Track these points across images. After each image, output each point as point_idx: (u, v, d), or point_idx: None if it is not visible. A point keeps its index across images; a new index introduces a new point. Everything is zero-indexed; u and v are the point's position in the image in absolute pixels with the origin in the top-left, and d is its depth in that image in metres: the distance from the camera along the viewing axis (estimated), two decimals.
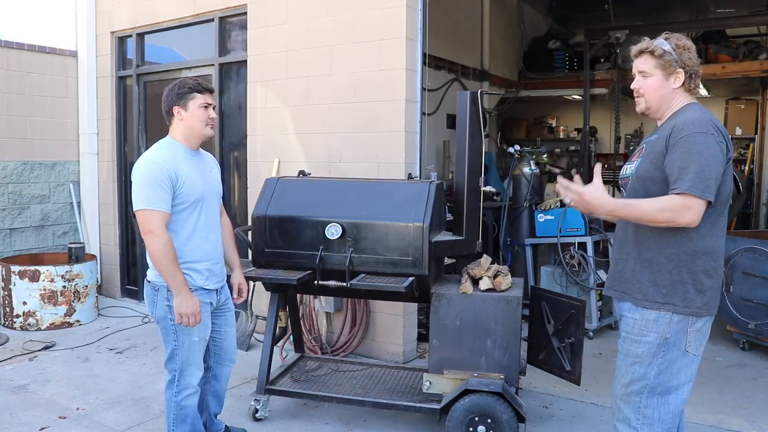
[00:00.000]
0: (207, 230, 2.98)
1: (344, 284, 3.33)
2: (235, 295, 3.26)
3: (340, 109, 4.72)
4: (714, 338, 5.16)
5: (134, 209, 2.82)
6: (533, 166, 5.99)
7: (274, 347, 3.84)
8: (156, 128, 6.04)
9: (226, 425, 3.35)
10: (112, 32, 6.37)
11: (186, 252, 2.88)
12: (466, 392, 3.23)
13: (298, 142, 4.97)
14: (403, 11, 4.35)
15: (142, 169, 2.83)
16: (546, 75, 8.93)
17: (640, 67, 2.38)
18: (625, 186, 2.46)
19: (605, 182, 10.48)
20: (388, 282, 3.26)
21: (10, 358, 4.78)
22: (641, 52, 2.37)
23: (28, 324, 5.48)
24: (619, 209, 2.26)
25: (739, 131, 9.21)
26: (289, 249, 3.48)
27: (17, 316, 5.49)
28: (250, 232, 3.68)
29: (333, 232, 3.37)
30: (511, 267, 5.73)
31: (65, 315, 5.57)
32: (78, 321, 5.64)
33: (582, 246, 5.33)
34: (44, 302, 5.48)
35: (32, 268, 5.50)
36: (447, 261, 3.86)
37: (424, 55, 4.55)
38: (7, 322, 5.55)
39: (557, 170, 10.24)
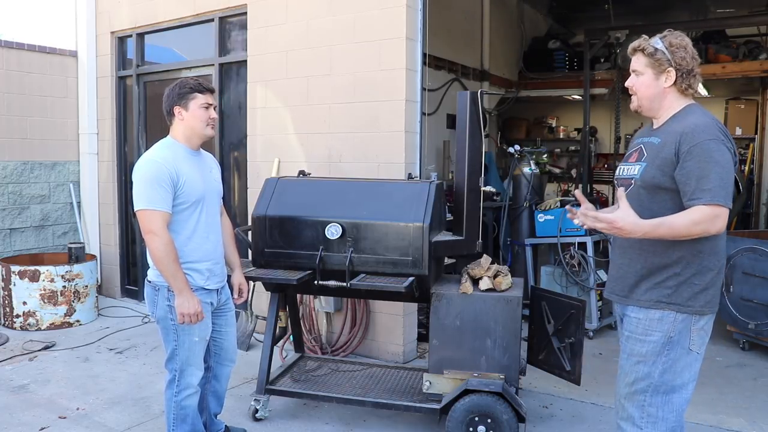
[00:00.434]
0: (208, 230, 2.98)
1: (344, 284, 3.33)
2: (235, 295, 3.26)
3: (340, 109, 4.72)
4: (714, 338, 5.14)
5: (135, 209, 2.82)
6: (533, 166, 5.99)
7: (274, 347, 3.84)
8: (156, 128, 6.04)
9: (226, 425, 3.35)
10: (112, 32, 6.37)
11: (187, 252, 2.88)
12: (466, 392, 3.23)
13: (298, 142, 4.97)
14: (403, 11, 4.35)
15: (143, 168, 2.83)
16: (546, 75, 8.93)
17: (633, 65, 2.40)
18: (625, 188, 2.42)
19: (604, 182, 10.48)
20: (388, 282, 3.26)
21: (10, 358, 4.78)
22: (635, 51, 2.38)
23: (28, 324, 5.48)
24: (654, 230, 2.18)
25: (739, 131, 9.21)
26: (289, 249, 3.48)
27: (17, 316, 5.49)
28: (250, 232, 3.68)
29: (333, 232, 3.37)
30: (511, 267, 5.74)
31: (65, 315, 5.57)
32: (78, 321, 5.64)
33: (582, 246, 5.33)
34: (44, 302, 5.48)
35: (32, 268, 5.50)
36: (447, 261, 3.86)
37: (424, 55, 4.55)
38: (7, 322, 5.56)
39: (557, 170, 10.25)
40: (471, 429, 3.22)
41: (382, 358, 4.62)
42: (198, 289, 2.91)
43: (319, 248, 3.41)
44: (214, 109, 3.00)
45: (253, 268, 3.55)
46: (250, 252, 3.66)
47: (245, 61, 5.27)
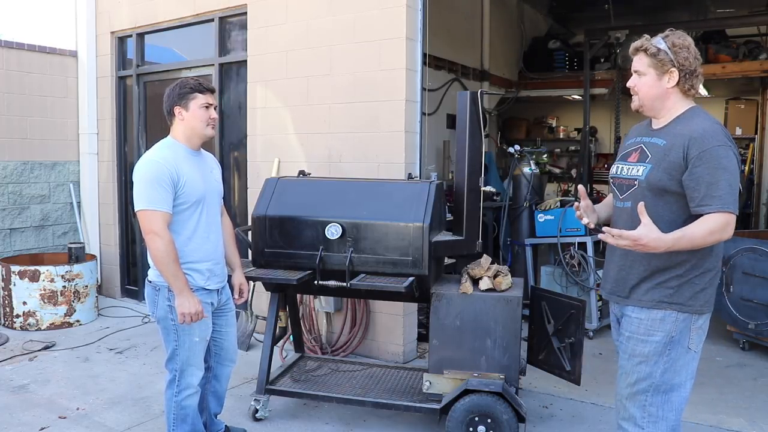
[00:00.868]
0: (208, 230, 2.98)
1: (344, 284, 3.33)
2: (235, 296, 3.26)
3: (340, 109, 4.72)
4: (714, 338, 5.17)
5: (136, 209, 2.82)
6: (533, 166, 5.99)
7: (274, 347, 3.84)
8: (156, 128, 6.04)
9: (226, 425, 3.35)
10: (112, 32, 6.37)
11: (187, 252, 2.88)
12: (466, 392, 3.23)
13: (298, 142, 4.97)
14: (403, 11, 4.35)
15: (143, 169, 2.83)
16: (546, 75, 8.93)
17: (635, 65, 2.38)
18: (624, 187, 2.41)
19: (604, 182, 10.48)
20: (388, 282, 3.26)
21: (10, 358, 4.78)
22: (637, 50, 2.36)
23: (28, 324, 5.48)
24: (677, 243, 2.16)
25: (739, 131, 9.21)
26: (289, 249, 3.48)
27: (17, 316, 5.49)
28: (250, 232, 3.68)
29: (333, 232, 3.37)
30: (511, 267, 5.73)
31: (65, 315, 5.57)
32: (78, 321, 5.64)
33: (582, 246, 5.33)
34: (44, 302, 5.48)
35: (32, 268, 5.50)
36: (447, 261, 3.86)
37: (424, 55, 4.55)
38: (7, 322, 5.56)
39: (557, 170, 10.25)
40: (471, 429, 3.22)
41: (382, 358, 4.62)
42: (198, 289, 2.91)
43: (319, 248, 3.41)
44: (215, 109, 3.00)
45: (253, 268, 3.55)
46: (250, 252, 3.66)
47: (245, 61, 5.27)
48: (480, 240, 3.54)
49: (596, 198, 8.97)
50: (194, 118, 2.92)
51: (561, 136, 10.70)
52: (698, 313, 2.31)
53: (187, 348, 2.91)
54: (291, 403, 3.92)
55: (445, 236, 3.55)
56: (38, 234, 6.40)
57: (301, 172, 4.03)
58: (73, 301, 5.61)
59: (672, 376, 2.34)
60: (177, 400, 2.96)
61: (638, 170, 2.35)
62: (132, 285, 6.56)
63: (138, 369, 4.59)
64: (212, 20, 5.56)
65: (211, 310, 3.03)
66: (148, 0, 6.00)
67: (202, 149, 3.09)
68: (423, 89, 4.60)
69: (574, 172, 10.09)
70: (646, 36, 2.37)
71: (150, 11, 6.00)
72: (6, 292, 5.52)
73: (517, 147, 6.12)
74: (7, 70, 6.07)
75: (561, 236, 5.40)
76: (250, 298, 4.96)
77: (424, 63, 4.56)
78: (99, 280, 6.34)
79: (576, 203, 2.63)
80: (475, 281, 3.46)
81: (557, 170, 10.30)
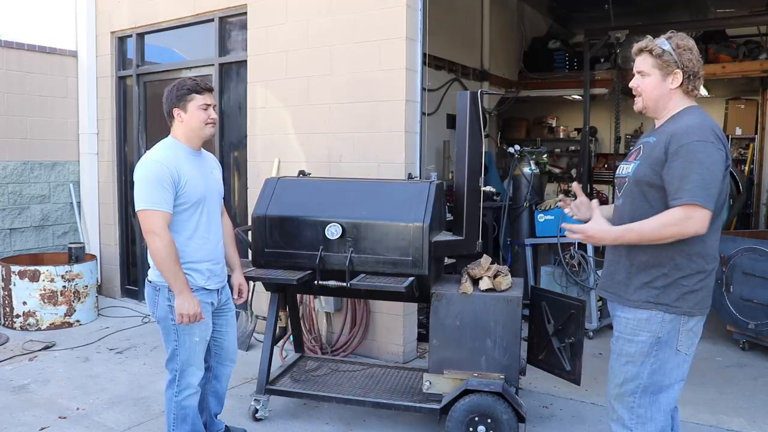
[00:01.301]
0: (208, 230, 2.98)
1: (344, 284, 3.33)
2: (235, 296, 3.26)
3: (340, 109, 4.72)
4: (714, 338, 5.17)
5: (136, 209, 2.82)
6: (533, 166, 5.99)
7: (274, 347, 3.84)
8: (156, 128, 6.04)
9: (226, 425, 3.35)
10: (112, 32, 6.38)
11: (187, 252, 2.88)
12: (466, 392, 3.24)
13: (298, 142, 4.97)
14: (403, 11, 4.35)
15: (144, 169, 2.83)
16: (546, 75, 8.93)
17: (638, 66, 2.38)
18: (621, 186, 2.46)
19: (604, 182, 10.46)
20: (388, 282, 3.26)
21: (10, 358, 4.78)
22: (641, 51, 2.36)
23: (28, 324, 5.48)
24: (622, 236, 2.27)
25: (739, 131, 9.22)
26: (289, 249, 3.48)
27: (17, 316, 5.49)
28: (250, 232, 3.68)
29: (333, 232, 3.37)
30: (511, 267, 5.73)
31: (65, 315, 5.57)
32: (78, 321, 5.64)
33: (582, 246, 5.33)
34: (44, 302, 5.48)
35: (32, 268, 5.50)
36: (447, 261, 3.86)
37: (424, 55, 4.55)
38: (7, 322, 5.56)
39: (557, 170, 10.25)
40: (471, 429, 3.22)
41: (382, 358, 4.62)
42: (198, 289, 2.91)
43: (319, 248, 3.41)
44: (214, 108, 2.99)
45: (253, 268, 3.55)
46: (250, 252, 3.66)
47: (245, 61, 5.27)
48: (480, 240, 3.54)
49: (597, 198, 9.00)
50: (193, 119, 2.91)
51: (561, 136, 10.71)
52: (688, 315, 2.29)
53: (187, 348, 2.91)
54: (291, 403, 3.92)
55: (445, 236, 3.55)
56: (38, 234, 6.40)
57: (301, 172, 4.03)
58: (73, 301, 5.61)
59: (661, 378, 2.33)
60: (177, 400, 2.96)
61: (630, 168, 2.40)
62: (132, 285, 6.56)
63: (138, 369, 4.59)
64: (212, 20, 5.56)
65: (211, 310, 3.02)
66: (148, 0, 6.00)
67: (202, 149, 3.08)
68: (423, 89, 4.60)
69: (574, 172, 10.09)
70: (649, 37, 2.37)
71: (150, 11, 6.00)
72: (6, 292, 5.52)
73: (517, 147, 6.11)
74: (7, 70, 6.07)
75: (561, 236, 5.39)
76: (250, 298, 4.96)
77: (424, 63, 4.56)
78: (99, 280, 6.34)
79: (565, 199, 2.68)
80: (475, 281, 3.46)
81: (557, 170, 10.30)
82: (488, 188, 3.64)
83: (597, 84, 8.57)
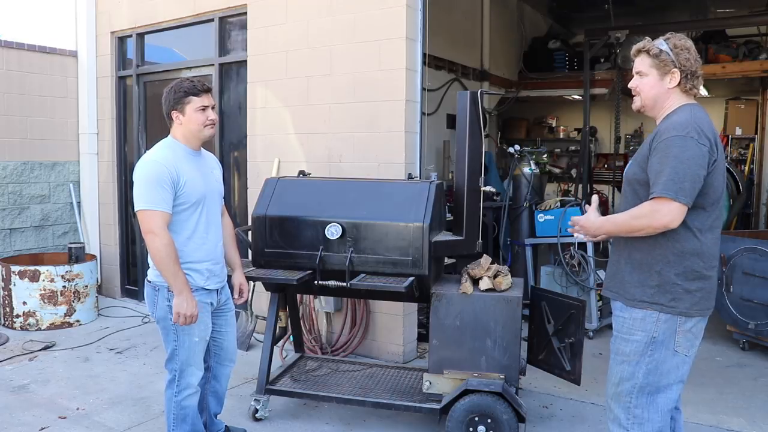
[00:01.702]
0: (208, 230, 2.98)
1: (344, 284, 3.32)
2: (235, 296, 3.26)
3: (340, 109, 4.72)
4: (714, 338, 5.17)
5: (135, 209, 2.82)
6: (533, 166, 5.99)
7: (274, 347, 3.84)
8: (156, 128, 6.04)
9: (226, 425, 3.35)
10: (112, 32, 6.38)
11: (187, 252, 2.88)
12: (466, 392, 3.24)
13: (298, 142, 4.97)
14: (403, 11, 4.35)
15: (143, 169, 2.83)
16: (546, 75, 8.93)
17: (637, 66, 2.41)
18: (622, 186, 2.53)
19: (604, 182, 10.48)
20: (388, 282, 3.26)
21: (10, 358, 4.78)
22: (639, 52, 2.40)
23: (28, 324, 5.48)
24: (603, 224, 2.41)
25: (739, 131, 9.22)
26: (289, 249, 3.48)
27: (17, 316, 5.49)
28: (250, 232, 3.68)
29: (333, 232, 3.37)
30: (511, 267, 5.73)
31: (65, 315, 5.57)
32: (78, 321, 5.64)
33: (582, 246, 5.33)
34: (44, 302, 5.48)
35: (32, 268, 5.50)
36: (447, 261, 3.86)
37: (424, 55, 4.55)
38: (7, 322, 5.56)
39: (557, 170, 10.25)
40: (471, 429, 3.22)
41: (382, 358, 4.62)
42: (198, 289, 2.90)
43: (319, 248, 3.41)
44: (213, 109, 2.98)
45: (253, 268, 3.55)
46: (250, 252, 3.66)
47: (245, 61, 5.27)
48: (480, 240, 3.54)
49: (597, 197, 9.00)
50: (191, 121, 2.90)
51: (561, 136, 10.71)
52: (685, 316, 2.29)
53: (186, 348, 2.91)
54: (291, 403, 3.92)
55: (445, 236, 3.55)
56: (38, 234, 6.40)
57: (301, 172, 4.03)
58: (73, 301, 5.61)
59: (657, 379, 2.33)
60: (177, 400, 2.96)
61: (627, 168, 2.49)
62: (132, 285, 6.56)
63: (138, 369, 4.59)
64: (212, 20, 5.56)
65: (211, 310, 3.02)
66: (148, 0, 6.00)
67: (202, 149, 3.08)
68: (423, 89, 4.59)
69: (574, 172, 10.09)
70: (648, 38, 2.41)
71: (150, 11, 6.00)
72: (6, 292, 5.52)
73: (517, 147, 6.11)
74: (8, 70, 6.07)
75: (561, 236, 5.40)
76: (250, 298, 4.96)
77: (424, 63, 4.56)
78: (99, 280, 6.34)
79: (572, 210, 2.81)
80: (475, 281, 3.46)
81: (557, 170, 10.30)
82: (488, 188, 3.64)
83: (597, 84, 8.57)
